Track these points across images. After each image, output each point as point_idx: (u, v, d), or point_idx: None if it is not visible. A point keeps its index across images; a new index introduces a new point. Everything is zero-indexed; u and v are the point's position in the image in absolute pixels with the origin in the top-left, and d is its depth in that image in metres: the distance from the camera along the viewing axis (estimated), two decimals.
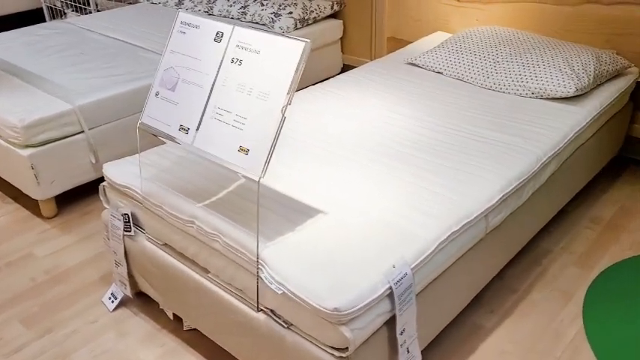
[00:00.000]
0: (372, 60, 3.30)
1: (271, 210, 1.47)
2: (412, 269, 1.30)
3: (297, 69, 1.25)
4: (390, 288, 1.24)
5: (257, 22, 3.14)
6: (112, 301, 1.81)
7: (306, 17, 3.10)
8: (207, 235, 1.41)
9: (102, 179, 2.57)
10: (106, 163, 1.71)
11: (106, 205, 1.75)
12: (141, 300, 1.83)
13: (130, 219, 1.62)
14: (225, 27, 1.39)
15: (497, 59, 2.25)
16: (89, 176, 2.32)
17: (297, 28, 3.06)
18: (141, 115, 1.52)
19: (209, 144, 1.35)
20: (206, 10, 3.37)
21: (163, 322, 1.75)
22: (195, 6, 3.42)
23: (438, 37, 2.82)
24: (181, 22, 1.48)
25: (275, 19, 3.03)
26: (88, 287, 1.90)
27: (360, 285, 1.21)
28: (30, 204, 2.35)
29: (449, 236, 1.41)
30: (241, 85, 1.32)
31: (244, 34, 1.35)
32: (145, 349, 1.66)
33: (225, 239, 1.37)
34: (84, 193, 2.42)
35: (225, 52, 1.37)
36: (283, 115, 1.25)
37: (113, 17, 3.36)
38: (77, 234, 2.17)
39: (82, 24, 3.24)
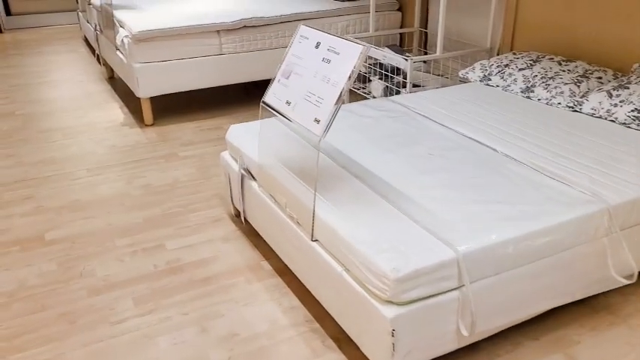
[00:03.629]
0: None
1: None
2: None
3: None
4: None
5: None
6: None
7: None
8: None
9: (465, 349, 1.86)
10: None
11: None
12: None
13: None
14: None
15: None
16: (449, 347, 1.64)
17: None
18: None
19: None
20: (571, 105, 2.57)
21: None
22: (552, 96, 2.65)
23: None
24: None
25: None
26: None
27: None
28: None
29: None
30: None
31: None
32: None
33: None
34: None
35: None
36: None
37: (445, 99, 2.76)
38: None
39: (411, 104, 2.70)
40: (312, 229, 1.81)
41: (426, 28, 4.18)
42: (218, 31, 3.72)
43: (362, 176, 1.97)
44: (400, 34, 4.31)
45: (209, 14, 3.82)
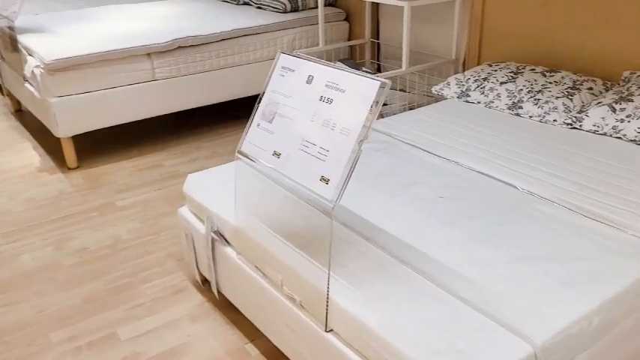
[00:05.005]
0: None
1: None
2: None
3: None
4: None
5: None
6: None
7: None
8: None
9: None
10: None
11: None
12: None
13: None
14: None
15: None
16: None
17: None
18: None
19: None
20: (569, 121, 2.33)
21: None
22: (545, 112, 2.39)
23: None
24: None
25: None
26: None
27: None
28: None
29: None
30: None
31: None
32: None
33: None
34: None
35: None
36: None
37: (426, 122, 2.43)
38: None
39: (390, 130, 2.35)
40: (326, 319, 1.41)
41: (377, 39, 3.87)
42: (149, 54, 3.21)
43: (372, 237, 1.59)
44: (350, 46, 3.97)
45: (137, 35, 3.29)
